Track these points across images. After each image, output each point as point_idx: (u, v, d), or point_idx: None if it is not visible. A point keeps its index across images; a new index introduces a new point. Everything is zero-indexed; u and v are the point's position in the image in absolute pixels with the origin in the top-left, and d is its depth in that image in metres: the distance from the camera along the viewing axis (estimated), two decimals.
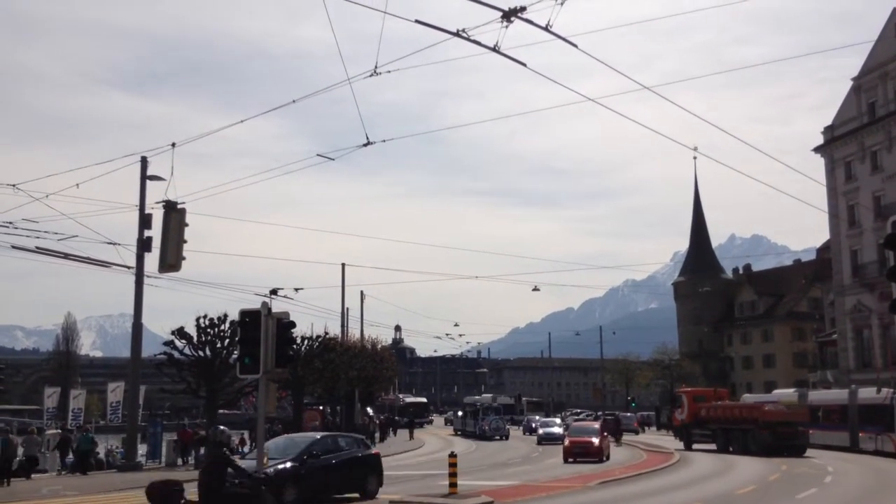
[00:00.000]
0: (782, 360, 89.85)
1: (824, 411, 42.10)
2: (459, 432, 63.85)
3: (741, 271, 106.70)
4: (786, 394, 48.20)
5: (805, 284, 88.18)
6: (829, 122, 62.38)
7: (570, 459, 33.08)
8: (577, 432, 36.25)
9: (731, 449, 39.42)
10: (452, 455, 21.00)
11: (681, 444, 44.05)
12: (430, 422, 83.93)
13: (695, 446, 42.67)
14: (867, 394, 39.89)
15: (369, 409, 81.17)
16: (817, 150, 62.43)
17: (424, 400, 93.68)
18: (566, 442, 35.06)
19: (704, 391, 50.84)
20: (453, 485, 19.86)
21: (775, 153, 22.13)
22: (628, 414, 70.29)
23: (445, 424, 79.90)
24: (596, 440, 33.91)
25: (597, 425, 37.92)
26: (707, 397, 46.77)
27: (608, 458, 34.41)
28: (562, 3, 12.73)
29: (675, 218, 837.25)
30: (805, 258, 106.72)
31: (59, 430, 40.17)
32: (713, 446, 41.18)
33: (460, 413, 69.12)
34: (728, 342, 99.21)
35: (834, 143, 60.70)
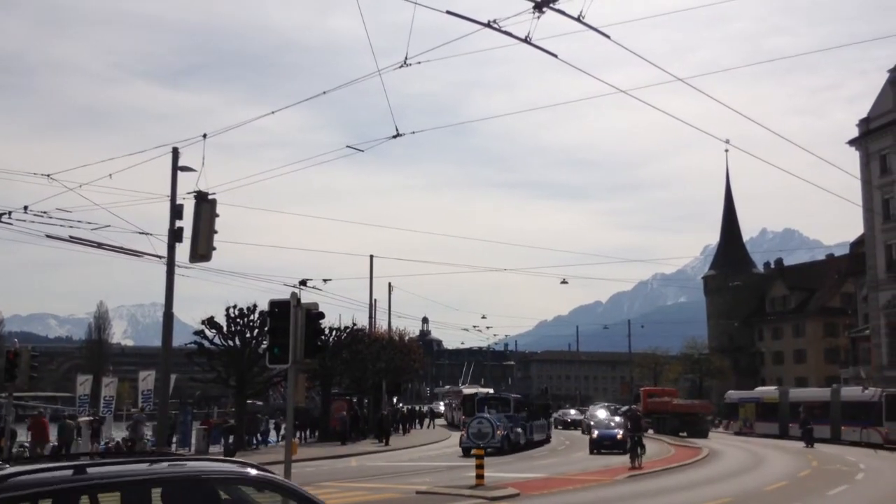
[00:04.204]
0: (814, 356, 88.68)
1: (805, 407, 47.12)
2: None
3: (772, 266, 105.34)
4: (768, 391, 58.18)
5: (838, 279, 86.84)
6: (864, 114, 61.40)
7: None
8: None
9: (658, 431, 49.57)
10: (479, 447, 21.12)
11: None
12: None
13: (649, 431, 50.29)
14: (852, 392, 46.07)
15: (442, 405, 79.99)
16: (852, 142, 61.46)
17: (490, 391, 68.09)
18: None
19: (657, 389, 62.82)
20: (480, 476, 19.93)
21: (810, 146, 21.66)
22: None
23: None
24: None
25: None
26: (659, 395, 58.72)
27: None
28: None
29: (705, 211, 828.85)
30: (838, 253, 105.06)
31: (92, 418, 40.74)
32: (651, 431, 48.45)
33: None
34: (759, 337, 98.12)
35: (869, 135, 59.71)
